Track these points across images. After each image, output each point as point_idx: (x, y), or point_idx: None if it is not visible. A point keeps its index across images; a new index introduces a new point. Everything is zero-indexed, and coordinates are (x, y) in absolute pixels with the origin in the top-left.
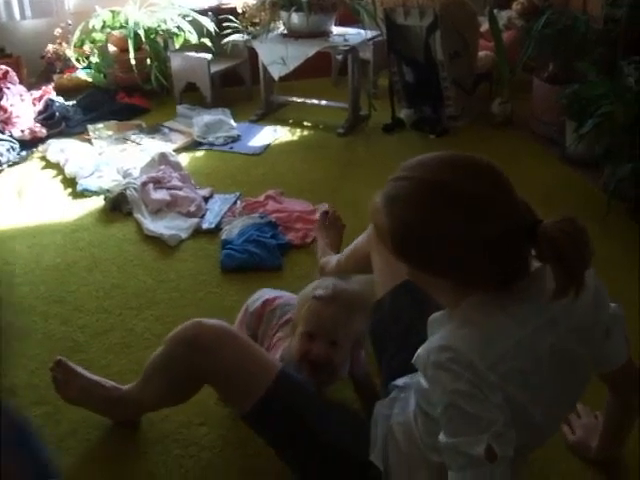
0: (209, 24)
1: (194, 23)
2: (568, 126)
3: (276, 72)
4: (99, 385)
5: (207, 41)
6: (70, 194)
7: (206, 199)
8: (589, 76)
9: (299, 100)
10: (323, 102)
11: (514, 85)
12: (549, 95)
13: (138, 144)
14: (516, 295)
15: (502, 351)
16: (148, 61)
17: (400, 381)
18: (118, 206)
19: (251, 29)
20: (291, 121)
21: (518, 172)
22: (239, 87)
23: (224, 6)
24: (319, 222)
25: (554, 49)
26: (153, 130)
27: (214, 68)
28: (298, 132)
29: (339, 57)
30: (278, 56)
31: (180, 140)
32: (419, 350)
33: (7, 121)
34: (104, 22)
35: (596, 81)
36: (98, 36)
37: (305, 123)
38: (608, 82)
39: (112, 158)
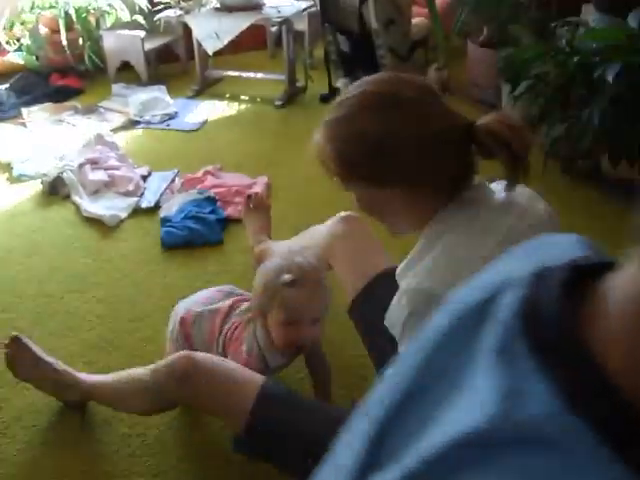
0: (141, 1)
1: (126, 0)
2: (504, 89)
3: (210, 47)
4: (51, 367)
5: (140, 18)
6: (7, 180)
7: (144, 177)
8: (523, 39)
9: (235, 74)
10: (259, 75)
11: (449, 51)
12: (484, 59)
13: (74, 126)
14: (468, 206)
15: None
16: (80, 41)
17: None
18: (56, 189)
19: (183, 4)
20: (228, 95)
21: None
22: (174, 63)
23: None
24: (244, 208)
25: (488, 13)
26: (89, 111)
27: (148, 45)
28: (235, 106)
29: (274, 29)
30: (212, 30)
31: (116, 120)
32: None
33: None
34: (33, 3)
35: (530, 44)
36: (28, 17)
37: (242, 97)
38: (541, 44)
39: (48, 141)
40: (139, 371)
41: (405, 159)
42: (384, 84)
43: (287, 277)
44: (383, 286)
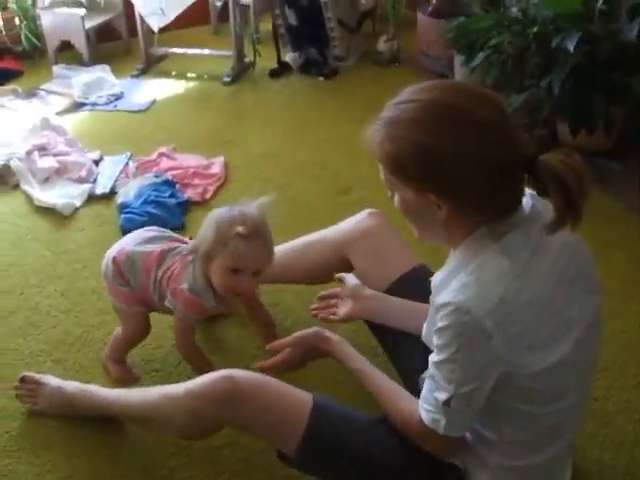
0: None
1: None
2: (456, 60)
3: (155, 23)
4: (73, 400)
5: None
6: None
7: (96, 162)
8: (473, 9)
9: (180, 51)
10: (206, 51)
11: (398, 21)
12: (434, 29)
13: (15, 110)
14: (508, 230)
15: (498, 298)
16: (17, 20)
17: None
18: (3, 179)
19: None
20: (174, 73)
21: None
22: (115, 41)
23: None
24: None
25: None
26: (30, 94)
27: (88, 23)
28: (183, 84)
29: (218, 3)
30: (156, 6)
31: (60, 102)
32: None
33: None
34: None
35: (481, 14)
36: None
37: (189, 74)
38: (495, 14)
39: None
40: (172, 391)
41: (461, 180)
42: (460, 97)
43: (242, 229)
44: (408, 288)
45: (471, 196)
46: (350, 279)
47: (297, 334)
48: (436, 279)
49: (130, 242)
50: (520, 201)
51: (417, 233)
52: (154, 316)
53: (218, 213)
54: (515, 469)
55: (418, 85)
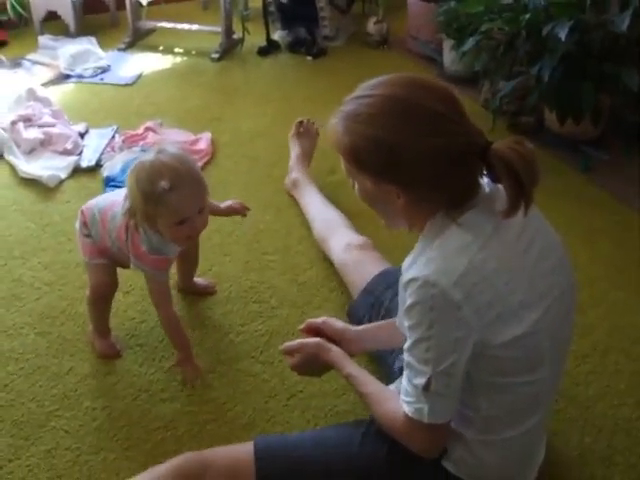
0: None
1: None
2: (446, 44)
3: None
4: None
5: None
6: None
7: (82, 135)
8: None
9: (168, 25)
10: (194, 27)
11: (388, 4)
12: (424, 13)
13: (0, 80)
14: (468, 209)
15: (463, 268)
16: None
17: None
18: None
19: None
20: (162, 48)
21: None
22: (102, 14)
23: None
24: (293, 131)
25: None
26: (14, 64)
27: None
28: (170, 59)
29: None
30: None
31: (45, 73)
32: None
33: None
34: None
35: None
36: None
37: (176, 49)
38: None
39: None
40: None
41: (416, 169)
42: (412, 90)
43: (164, 183)
44: (377, 283)
45: (427, 185)
46: (331, 323)
47: (301, 341)
48: (405, 262)
49: (102, 197)
50: (477, 186)
51: (382, 218)
52: (139, 291)
53: (135, 173)
54: (490, 443)
55: (374, 80)
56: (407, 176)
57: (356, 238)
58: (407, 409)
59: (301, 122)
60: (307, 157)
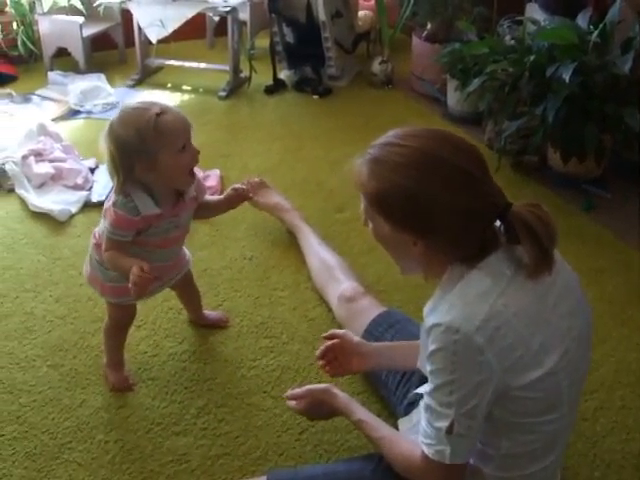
0: None
1: None
2: (450, 84)
3: (154, 35)
4: None
5: (77, 3)
6: None
7: (92, 170)
8: (469, 35)
9: (176, 63)
10: (202, 65)
11: (393, 44)
12: (429, 54)
13: (11, 115)
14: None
15: (484, 313)
16: (14, 25)
17: (421, 389)
18: None
19: None
20: (170, 85)
21: None
22: (111, 51)
23: None
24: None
25: (433, 8)
26: (24, 99)
27: (86, 32)
28: (178, 96)
29: (216, 18)
30: (156, 18)
31: (54, 109)
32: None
33: None
34: None
35: (477, 41)
36: None
37: (184, 87)
38: (489, 41)
39: None
40: None
41: (438, 223)
42: (444, 147)
43: (155, 109)
44: (378, 324)
45: (447, 238)
46: (350, 336)
47: (309, 387)
48: (426, 307)
49: None
50: (495, 243)
51: (396, 263)
52: (150, 325)
53: (120, 122)
54: (508, 479)
55: (405, 129)
56: (428, 228)
57: (347, 288)
58: (427, 451)
59: (251, 197)
60: (280, 204)
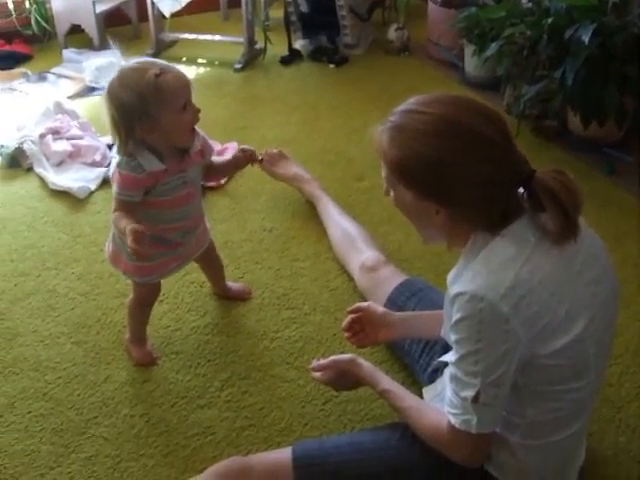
0: None
1: None
2: (467, 49)
3: (167, 8)
4: None
5: None
6: None
7: (110, 147)
8: None
9: (191, 37)
10: (217, 37)
11: (409, 10)
12: (445, 19)
13: (27, 94)
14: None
15: (509, 281)
16: (27, 4)
17: (445, 357)
18: (17, 162)
19: None
20: (184, 59)
21: None
22: (124, 26)
23: None
24: (267, 170)
25: None
26: (40, 78)
27: (99, 8)
28: (194, 70)
29: None
30: None
31: (70, 86)
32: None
33: None
34: None
35: (494, 5)
36: None
37: (200, 60)
38: (506, 4)
39: (1, 111)
40: None
41: (460, 191)
42: (467, 114)
43: (155, 70)
44: (400, 293)
45: (470, 206)
46: (376, 307)
47: (333, 358)
48: (450, 276)
49: None
50: (519, 210)
51: (418, 232)
52: (172, 299)
53: (120, 82)
54: (534, 447)
55: (427, 96)
56: (450, 196)
57: (368, 257)
58: (454, 420)
59: (261, 160)
60: (299, 174)
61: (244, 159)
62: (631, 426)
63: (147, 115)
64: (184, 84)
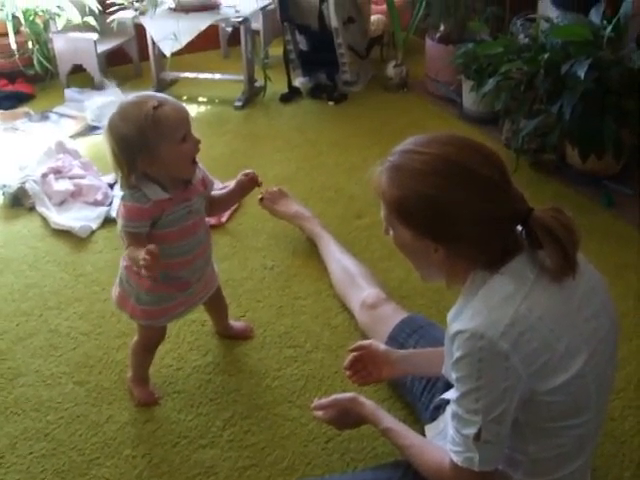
0: (91, 2)
1: (75, 1)
2: (465, 85)
3: (168, 48)
4: None
5: (91, 20)
6: None
7: (111, 186)
8: (482, 35)
9: (191, 75)
10: (217, 76)
11: (406, 47)
12: (442, 55)
13: (29, 133)
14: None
15: (509, 318)
16: (30, 44)
17: (447, 395)
18: (19, 201)
19: (137, 5)
20: (185, 97)
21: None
22: (126, 65)
23: None
24: (268, 208)
25: (445, 9)
26: (42, 117)
27: (101, 48)
28: (195, 108)
29: (229, 29)
30: (169, 31)
31: (72, 126)
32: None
33: None
34: None
35: (491, 41)
36: None
37: (200, 99)
38: (503, 40)
39: (4, 150)
40: None
41: (459, 230)
42: (463, 153)
43: (153, 102)
44: (401, 330)
45: (467, 244)
46: (377, 345)
47: (335, 396)
48: (450, 314)
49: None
50: (518, 247)
51: (417, 270)
52: (174, 338)
53: (119, 116)
54: None
55: (424, 136)
56: (449, 234)
57: (369, 295)
58: (456, 458)
59: (261, 199)
60: (299, 212)
61: (248, 182)
62: (635, 461)
63: (147, 147)
64: (183, 115)
